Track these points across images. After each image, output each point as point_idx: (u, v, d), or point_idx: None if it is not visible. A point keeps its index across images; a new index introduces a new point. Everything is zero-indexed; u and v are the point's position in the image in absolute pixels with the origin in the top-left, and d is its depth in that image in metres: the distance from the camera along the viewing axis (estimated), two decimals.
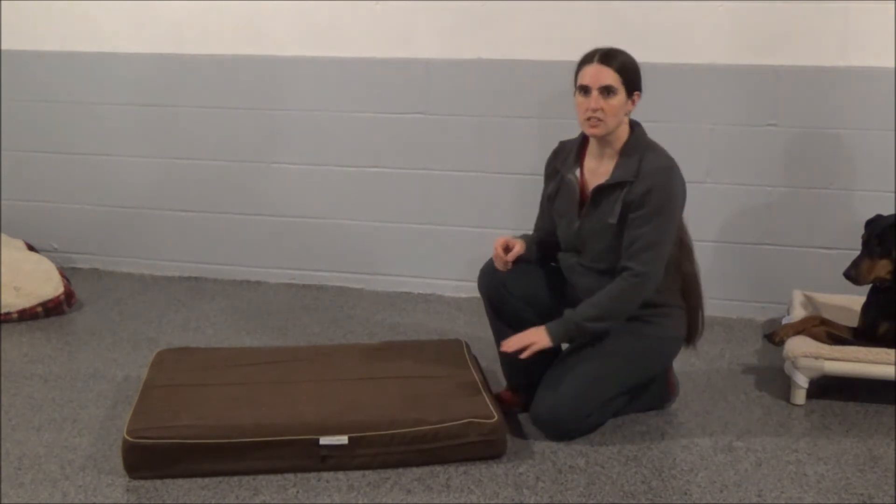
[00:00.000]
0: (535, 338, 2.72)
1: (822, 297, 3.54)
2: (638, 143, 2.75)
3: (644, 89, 2.77)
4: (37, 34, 4.24)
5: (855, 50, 3.54)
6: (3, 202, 4.46)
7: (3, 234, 4.19)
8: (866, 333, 3.08)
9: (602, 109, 2.67)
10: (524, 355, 2.71)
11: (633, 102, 2.74)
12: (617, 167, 2.73)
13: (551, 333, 2.72)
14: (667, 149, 2.82)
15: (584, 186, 2.82)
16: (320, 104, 4.07)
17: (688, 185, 3.67)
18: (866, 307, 3.14)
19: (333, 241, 4.21)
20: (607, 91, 2.67)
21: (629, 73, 2.70)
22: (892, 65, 3.52)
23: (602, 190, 2.74)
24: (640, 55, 3.63)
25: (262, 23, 4.03)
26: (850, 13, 3.52)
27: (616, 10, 3.69)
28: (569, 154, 2.86)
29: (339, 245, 4.21)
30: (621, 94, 2.68)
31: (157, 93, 4.21)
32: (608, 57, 2.69)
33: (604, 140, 2.75)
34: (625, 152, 2.74)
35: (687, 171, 3.67)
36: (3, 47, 4.28)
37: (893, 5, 3.48)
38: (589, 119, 2.69)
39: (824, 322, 3.17)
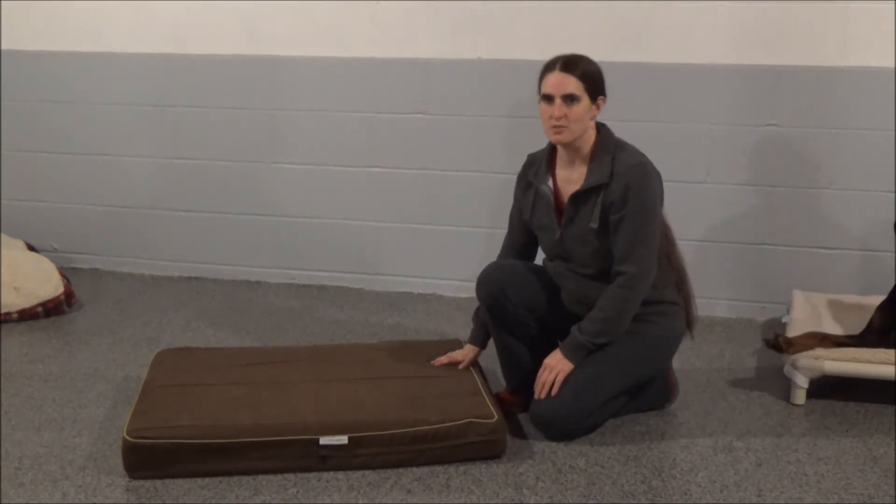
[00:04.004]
0: (560, 368, 2.74)
1: (822, 297, 3.54)
2: (607, 145, 2.75)
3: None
4: (37, 34, 4.24)
5: (855, 50, 3.54)
6: (3, 202, 4.46)
7: (3, 234, 4.20)
8: (879, 332, 3.05)
9: (566, 117, 2.68)
10: (555, 391, 2.73)
11: (598, 107, 2.74)
12: (590, 171, 2.74)
13: (570, 359, 2.75)
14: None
15: (558, 195, 2.83)
16: (320, 104, 4.07)
17: (688, 185, 3.70)
18: (885, 307, 3.08)
19: (333, 241, 4.21)
20: (570, 99, 2.68)
21: (592, 80, 2.71)
22: (892, 65, 3.52)
23: (578, 196, 2.75)
24: (640, 55, 3.67)
25: (262, 23, 4.03)
26: (850, 13, 3.52)
27: (616, 10, 3.69)
28: (539, 165, 2.87)
29: (339, 245, 4.21)
30: (584, 101, 2.69)
31: (157, 93, 4.21)
32: (570, 65, 2.69)
33: (572, 146, 2.76)
34: (595, 156, 2.75)
35: (687, 171, 3.71)
36: (3, 47, 4.28)
37: (893, 5, 3.48)
38: (553, 126, 2.70)
39: (826, 338, 3.13)
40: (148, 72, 4.19)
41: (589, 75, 2.70)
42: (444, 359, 3.02)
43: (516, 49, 3.82)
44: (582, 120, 2.70)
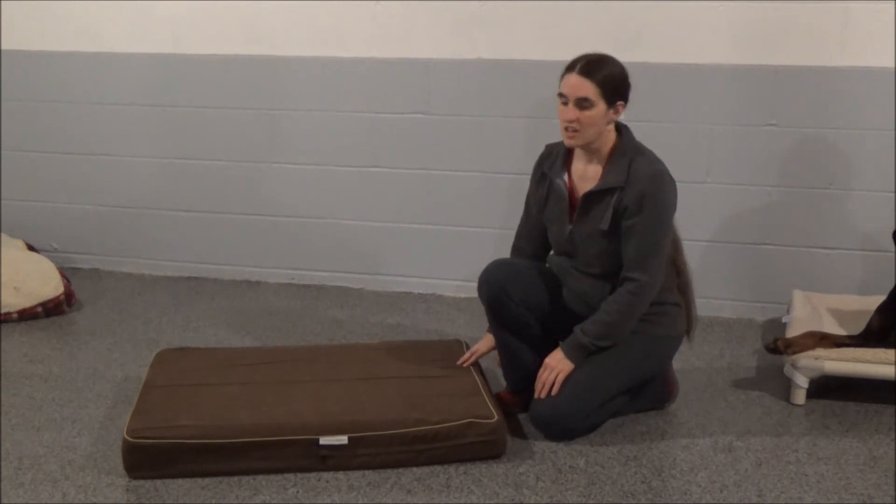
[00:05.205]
0: (560, 367, 2.74)
1: (822, 298, 3.54)
2: (626, 148, 2.73)
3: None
4: (37, 34, 4.24)
5: (855, 50, 3.54)
6: (3, 202, 4.46)
7: (3, 234, 4.20)
8: (877, 334, 3.05)
9: (578, 121, 2.66)
10: (556, 390, 2.73)
11: (617, 112, 2.70)
12: (606, 172, 2.73)
13: (571, 358, 2.75)
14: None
15: (572, 191, 2.82)
16: (320, 104, 4.07)
17: (688, 185, 3.69)
18: (885, 308, 3.08)
19: (333, 241, 4.21)
20: (583, 103, 2.65)
21: (611, 86, 2.66)
22: (892, 65, 3.52)
23: (592, 196, 2.74)
24: (640, 55, 3.66)
25: (262, 23, 4.03)
26: (850, 13, 3.52)
27: (616, 10, 3.68)
28: (556, 158, 2.86)
29: (339, 245, 4.21)
30: (600, 107, 2.66)
31: (157, 93, 4.21)
32: (589, 68, 2.65)
33: (589, 147, 2.74)
34: (613, 157, 2.73)
35: (687, 171, 3.70)
36: (3, 47, 4.28)
37: (893, 5, 3.48)
38: (566, 129, 2.69)
39: (826, 337, 3.13)
40: (148, 72, 4.19)
41: (608, 81, 2.65)
42: (466, 356, 3.02)
43: (516, 49, 3.82)
44: (595, 125, 2.67)
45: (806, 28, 3.56)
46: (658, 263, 2.71)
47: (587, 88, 2.64)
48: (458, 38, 3.87)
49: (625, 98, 2.71)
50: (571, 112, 2.66)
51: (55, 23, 4.22)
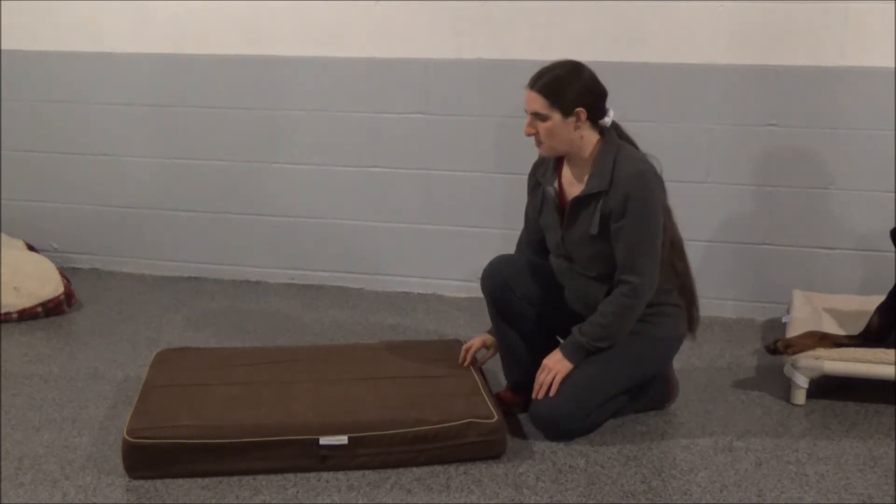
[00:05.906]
0: (558, 368, 2.74)
1: (822, 298, 3.54)
2: (609, 150, 2.71)
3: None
4: (37, 34, 4.25)
5: (855, 50, 3.54)
6: (3, 202, 4.46)
7: (3, 234, 4.20)
8: (876, 334, 3.05)
9: (538, 133, 2.70)
10: (553, 392, 2.72)
11: (579, 118, 2.67)
12: (590, 177, 2.73)
13: (569, 359, 2.75)
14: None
15: (563, 196, 2.82)
16: (320, 104, 4.07)
17: (688, 185, 3.70)
18: (884, 308, 3.08)
19: (333, 241, 4.21)
20: (538, 116, 2.68)
21: (561, 97, 2.65)
22: (892, 65, 3.52)
23: (579, 201, 2.74)
24: (640, 55, 3.67)
25: (262, 23, 4.03)
26: (850, 13, 3.52)
27: (616, 10, 3.69)
28: (548, 165, 2.87)
29: (339, 245, 4.21)
30: (555, 118, 2.66)
31: (157, 93, 4.21)
32: (539, 82, 2.67)
33: (569, 153, 2.76)
34: (597, 161, 2.72)
35: (687, 171, 3.71)
36: (3, 47, 4.28)
37: (893, 5, 3.48)
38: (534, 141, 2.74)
39: (826, 337, 3.13)
40: (148, 72, 4.19)
41: (558, 92, 2.65)
42: (463, 354, 3.01)
43: (516, 49, 3.82)
44: (556, 136, 2.69)
45: (806, 28, 3.56)
46: (650, 264, 2.70)
47: (538, 102, 2.67)
48: (458, 38, 3.87)
49: (586, 104, 2.67)
50: (529, 126, 2.71)
51: (55, 23, 4.22)
